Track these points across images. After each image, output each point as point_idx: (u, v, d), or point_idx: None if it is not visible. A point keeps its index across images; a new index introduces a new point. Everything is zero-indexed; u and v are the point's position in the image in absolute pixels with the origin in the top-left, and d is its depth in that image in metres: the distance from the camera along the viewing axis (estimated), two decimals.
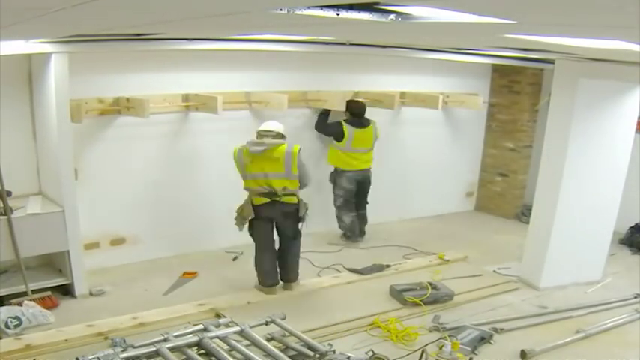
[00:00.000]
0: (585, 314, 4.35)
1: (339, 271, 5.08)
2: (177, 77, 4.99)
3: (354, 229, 5.87)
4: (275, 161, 4.28)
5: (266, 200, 4.36)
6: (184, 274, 4.93)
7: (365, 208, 5.95)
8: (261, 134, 4.37)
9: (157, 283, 4.68)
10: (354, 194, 5.79)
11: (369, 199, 5.95)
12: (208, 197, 5.42)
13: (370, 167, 5.81)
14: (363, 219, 5.97)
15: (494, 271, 5.20)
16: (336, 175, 5.77)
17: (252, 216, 4.40)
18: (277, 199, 4.36)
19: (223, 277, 4.93)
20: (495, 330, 3.98)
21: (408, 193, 6.78)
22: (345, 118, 5.68)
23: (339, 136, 5.62)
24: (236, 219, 4.46)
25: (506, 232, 6.49)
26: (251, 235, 4.54)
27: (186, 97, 5.02)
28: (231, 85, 5.26)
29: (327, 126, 5.71)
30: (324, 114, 5.74)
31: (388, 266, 5.08)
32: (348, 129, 5.59)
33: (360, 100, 5.80)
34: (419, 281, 4.61)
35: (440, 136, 6.92)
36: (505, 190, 7.18)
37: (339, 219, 5.86)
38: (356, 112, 5.65)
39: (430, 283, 4.55)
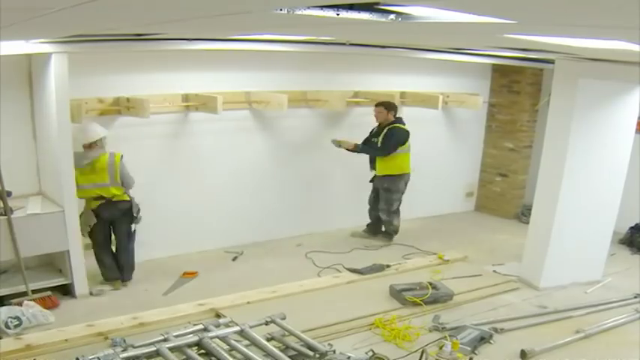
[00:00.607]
0: (585, 314, 4.35)
1: (339, 271, 5.08)
2: (177, 77, 4.99)
3: (398, 230, 6.03)
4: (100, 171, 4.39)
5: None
6: (184, 274, 4.92)
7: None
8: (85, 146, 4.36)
9: (156, 283, 4.68)
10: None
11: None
12: (208, 197, 5.42)
13: None
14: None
15: (494, 271, 5.20)
16: (395, 181, 5.75)
17: (93, 222, 4.47)
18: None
19: (223, 277, 4.93)
20: (495, 330, 3.97)
21: (408, 192, 6.67)
22: (392, 120, 5.63)
23: (406, 138, 5.66)
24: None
25: (506, 232, 6.48)
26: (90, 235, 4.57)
27: (186, 97, 5.02)
28: (232, 85, 5.26)
29: (390, 140, 5.58)
30: (360, 145, 5.68)
31: (388, 266, 5.07)
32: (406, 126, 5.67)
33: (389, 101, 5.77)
34: (419, 281, 4.61)
35: (440, 136, 6.93)
36: (505, 190, 7.18)
37: (390, 222, 5.92)
38: (396, 109, 5.71)
39: (430, 283, 4.54)
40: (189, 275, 4.91)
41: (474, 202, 7.52)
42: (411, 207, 6.78)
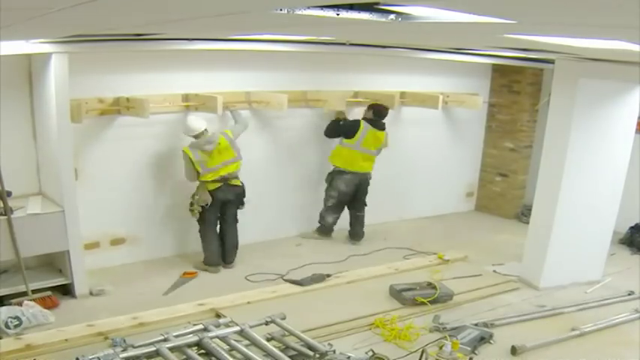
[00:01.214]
0: (583, 313, 4.35)
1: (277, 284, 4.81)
2: (177, 77, 4.99)
3: (330, 230, 5.93)
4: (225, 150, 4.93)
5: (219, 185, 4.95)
6: (184, 274, 4.92)
7: (362, 210, 5.92)
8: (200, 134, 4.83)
9: (156, 283, 4.69)
10: (348, 197, 5.79)
11: (367, 200, 5.91)
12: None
13: (370, 171, 5.80)
14: (360, 221, 5.94)
15: (494, 271, 5.21)
16: (333, 176, 5.74)
17: (209, 201, 4.91)
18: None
19: (223, 276, 4.94)
20: (486, 325, 3.97)
21: (408, 193, 6.78)
22: (364, 116, 5.68)
23: (353, 132, 5.57)
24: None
25: (506, 232, 6.49)
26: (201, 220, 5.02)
27: (186, 97, 5.02)
28: (231, 85, 5.26)
29: (340, 126, 5.64)
30: (338, 120, 5.68)
31: (329, 276, 4.84)
32: (364, 125, 5.59)
33: (386, 105, 5.75)
34: (419, 281, 4.61)
35: (440, 136, 6.93)
36: (505, 190, 7.19)
37: (322, 217, 5.88)
38: (379, 114, 5.67)
39: (430, 283, 4.55)
40: (189, 275, 4.91)
41: (474, 202, 7.53)
42: (411, 207, 6.83)
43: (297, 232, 6.01)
